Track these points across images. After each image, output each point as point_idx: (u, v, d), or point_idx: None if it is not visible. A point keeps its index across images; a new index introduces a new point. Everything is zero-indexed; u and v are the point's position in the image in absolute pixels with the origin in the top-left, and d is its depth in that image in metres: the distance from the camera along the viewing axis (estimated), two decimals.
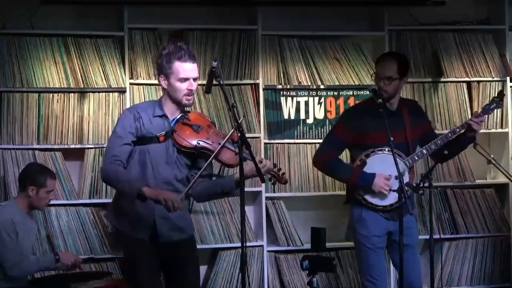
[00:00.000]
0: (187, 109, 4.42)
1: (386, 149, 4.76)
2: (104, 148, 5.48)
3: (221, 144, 4.21)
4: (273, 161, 4.51)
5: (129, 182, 4.20)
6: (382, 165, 4.73)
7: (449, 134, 4.91)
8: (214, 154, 4.20)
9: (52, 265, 4.91)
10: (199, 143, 4.27)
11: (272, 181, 4.37)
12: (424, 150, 4.88)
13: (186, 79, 4.26)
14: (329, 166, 4.98)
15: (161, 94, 4.45)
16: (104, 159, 4.31)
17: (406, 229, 4.59)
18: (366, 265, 4.92)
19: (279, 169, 4.35)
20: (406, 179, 4.73)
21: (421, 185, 4.65)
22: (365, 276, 4.92)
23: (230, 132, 4.26)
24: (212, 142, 4.28)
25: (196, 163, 4.39)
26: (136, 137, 4.27)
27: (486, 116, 5.07)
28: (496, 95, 5.14)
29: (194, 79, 4.29)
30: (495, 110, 5.13)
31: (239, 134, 4.03)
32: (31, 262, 4.87)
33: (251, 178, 5.40)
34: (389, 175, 4.77)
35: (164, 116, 4.32)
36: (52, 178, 5.03)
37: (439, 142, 4.88)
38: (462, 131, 4.92)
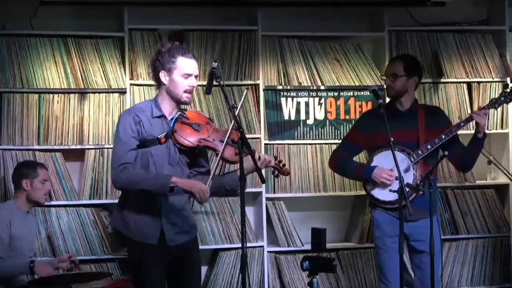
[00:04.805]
0: (182, 107, 4.41)
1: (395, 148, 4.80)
2: (104, 149, 5.55)
3: (225, 142, 4.20)
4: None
5: (151, 179, 4.17)
6: (388, 162, 4.75)
7: (454, 128, 4.95)
8: (221, 153, 4.19)
9: (27, 273, 4.85)
10: (200, 142, 4.26)
11: (275, 174, 4.39)
12: (428, 145, 4.92)
13: (189, 75, 4.26)
14: (339, 166, 5.17)
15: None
16: (113, 169, 4.22)
17: (422, 235, 4.71)
18: (380, 266, 5.03)
19: (280, 161, 4.38)
20: (410, 175, 4.85)
21: (421, 185, 4.68)
22: (380, 277, 5.04)
23: (230, 128, 4.24)
24: (213, 139, 4.28)
25: (196, 160, 4.39)
26: (139, 141, 4.25)
27: (490, 110, 5.05)
28: (505, 90, 5.11)
29: (196, 77, 4.30)
30: (502, 105, 5.10)
31: (239, 135, 4.03)
32: (6, 264, 4.81)
33: (251, 175, 5.45)
34: (391, 169, 4.82)
35: (162, 116, 4.30)
36: (43, 167, 5.05)
37: (443, 137, 4.92)
38: (467, 124, 4.99)
